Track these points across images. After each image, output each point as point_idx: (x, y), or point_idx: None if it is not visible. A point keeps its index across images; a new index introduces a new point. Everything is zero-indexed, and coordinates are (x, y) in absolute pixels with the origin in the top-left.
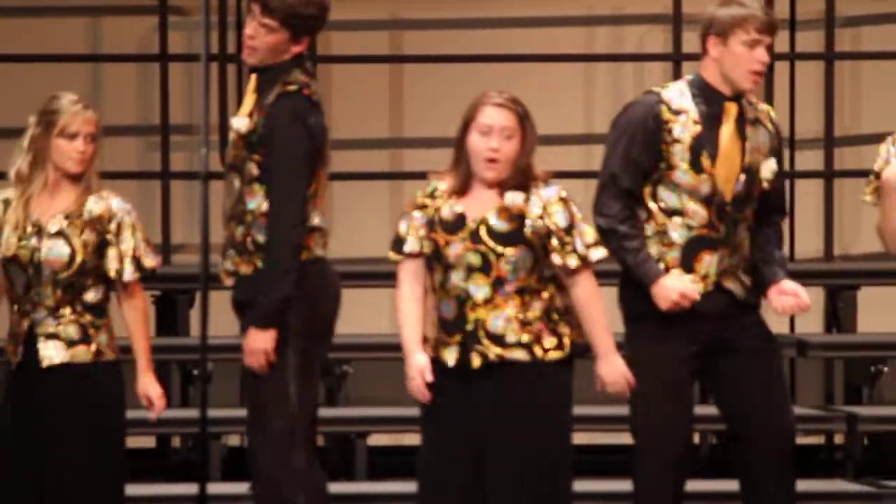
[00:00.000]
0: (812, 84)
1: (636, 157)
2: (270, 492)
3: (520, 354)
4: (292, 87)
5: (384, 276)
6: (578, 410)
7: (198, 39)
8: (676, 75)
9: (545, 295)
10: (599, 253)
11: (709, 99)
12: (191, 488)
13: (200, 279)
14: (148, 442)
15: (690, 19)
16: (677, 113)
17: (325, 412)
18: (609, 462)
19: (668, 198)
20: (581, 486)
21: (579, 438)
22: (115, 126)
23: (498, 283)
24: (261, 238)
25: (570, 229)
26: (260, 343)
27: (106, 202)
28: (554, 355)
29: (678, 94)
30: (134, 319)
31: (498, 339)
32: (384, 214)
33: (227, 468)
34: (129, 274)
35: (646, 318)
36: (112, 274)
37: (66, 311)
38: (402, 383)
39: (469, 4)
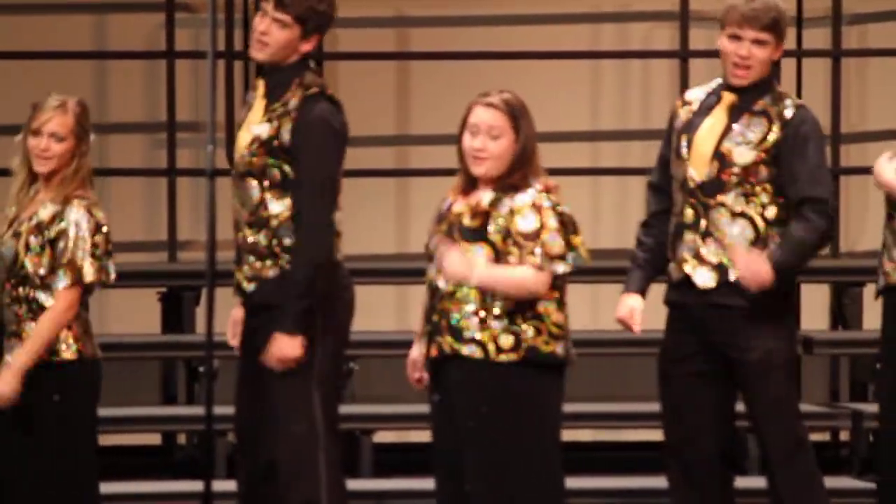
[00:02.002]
0: (819, 81)
1: (661, 151)
2: (296, 495)
3: (473, 351)
4: (314, 90)
5: (390, 274)
6: (580, 408)
7: (205, 36)
8: (683, 72)
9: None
10: (560, 268)
11: (719, 91)
12: (196, 485)
13: (207, 276)
14: (154, 439)
15: (697, 16)
16: (686, 104)
17: None
18: (609, 459)
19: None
20: (579, 482)
21: (576, 436)
22: (122, 123)
23: None
24: (288, 241)
25: (533, 236)
26: (293, 350)
27: (58, 208)
28: (507, 356)
29: (703, 89)
30: (42, 317)
31: (456, 333)
32: (390, 211)
33: (233, 465)
34: (62, 282)
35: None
36: (47, 279)
37: (24, 308)
38: (407, 380)
39: (475, 2)
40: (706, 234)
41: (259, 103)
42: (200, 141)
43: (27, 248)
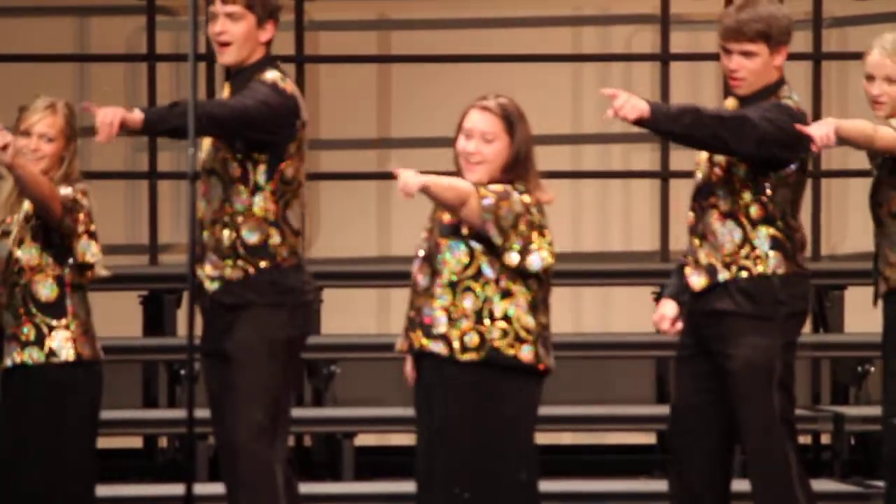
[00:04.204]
0: (800, 84)
1: None
2: (243, 480)
3: (439, 347)
4: (266, 78)
5: (371, 277)
6: (561, 411)
7: (185, 39)
8: (664, 76)
9: (481, 294)
10: (488, 200)
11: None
12: (177, 489)
13: (188, 279)
14: (135, 442)
15: (678, 19)
16: None
17: (311, 412)
18: (590, 462)
19: None
20: (560, 486)
21: (557, 439)
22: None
23: (435, 274)
24: (251, 239)
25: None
26: (115, 115)
27: None
28: (469, 356)
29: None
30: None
31: (426, 329)
32: (371, 215)
33: (214, 468)
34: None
35: None
36: (42, 266)
37: (21, 310)
38: (388, 383)
39: (457, 4)
40: (702, 237)
41: None
42: (182, 144)
43: (20, 242)
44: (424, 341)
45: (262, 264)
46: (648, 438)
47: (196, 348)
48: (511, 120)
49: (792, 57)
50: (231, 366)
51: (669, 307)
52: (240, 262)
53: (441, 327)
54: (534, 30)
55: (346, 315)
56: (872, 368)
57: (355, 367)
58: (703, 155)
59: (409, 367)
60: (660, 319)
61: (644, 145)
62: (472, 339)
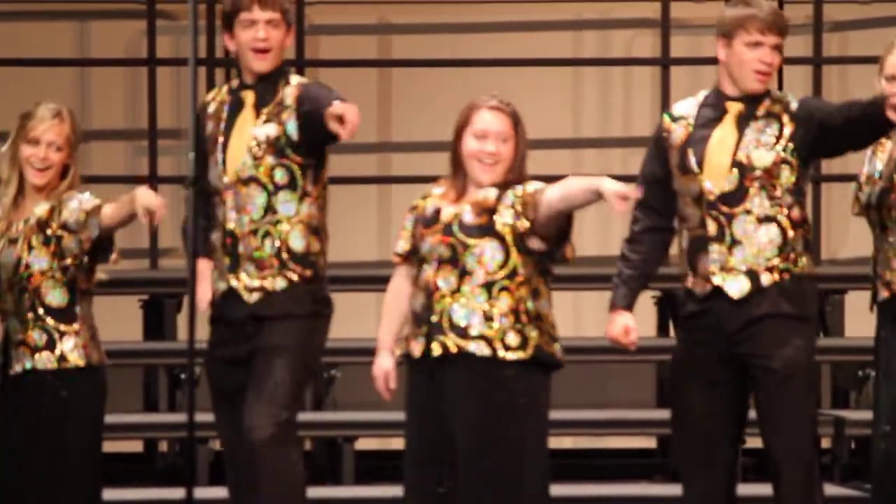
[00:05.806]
0: (800, 88)
1: (648, 169)
2: (276, 480)
3: (479, 348)
4: (305, 80)
5: (372, 281)
6: (562, 415)
7: (186, 44)
8: (664, 80)
9: (516, 293)
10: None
11: (717, 102)
12: (178, 493)
13: (188, 283)
14: (135, 446)
15: (678, 24)
16: (677, 119)
17: (312, 416)
18: (591, 466)
19: (679, 206)
20: (560, 490)
21: (557, 443)
22: (103, 130)
23: (464, 275)
24: (297, 247)
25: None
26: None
27: (54, 203)
28: (515, 355)
29: (692, 102)
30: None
31: (460, 331)
32: (372, 219)
33: (215, 473)
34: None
35: (680, 321)
36: (56, 273)
37: (29, 316)
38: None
39: (458, 8)
40: (733, 243)
41: (249, 112)
42: (182, 148)
43: (30, 248)
44: (461, 342)
45: (308, 273)
46: (649, 442)
47: (198, 352)
48: (516, 119)
49: (793, 61)
50: (266, 365)
51: (628, 318)
52: (284, 272)
53: (479, 328)
54: (534, 34)
55: (346, 319)
56: (873, 373)
57: (355, 372)
58: (722, 161)
59: (391, 380)
60: (624, 333)
61: (643, 150)
62: (514, 338)
